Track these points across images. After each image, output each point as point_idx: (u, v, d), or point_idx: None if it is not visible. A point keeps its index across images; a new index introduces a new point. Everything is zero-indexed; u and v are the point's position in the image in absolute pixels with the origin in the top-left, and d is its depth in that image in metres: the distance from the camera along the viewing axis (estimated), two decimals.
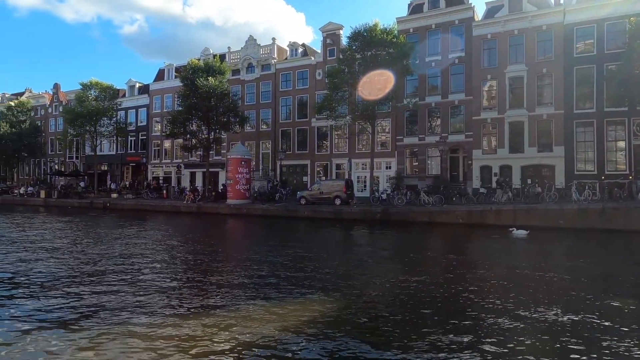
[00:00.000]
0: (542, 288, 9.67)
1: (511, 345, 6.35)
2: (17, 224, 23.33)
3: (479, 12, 32.73)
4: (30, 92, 60.87)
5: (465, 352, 6.12)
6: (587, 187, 22.77)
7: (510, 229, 19.15)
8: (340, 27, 36.32)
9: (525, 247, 16.24)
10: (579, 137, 27.26)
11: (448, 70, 31.42)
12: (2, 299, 8.66)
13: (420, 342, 6.52)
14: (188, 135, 35.42)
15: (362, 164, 34.08)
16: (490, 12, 30.84)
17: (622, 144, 26.11)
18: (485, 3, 31.69)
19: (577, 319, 7.46)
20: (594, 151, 26.65)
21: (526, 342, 6.46)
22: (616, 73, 24.46)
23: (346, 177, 33.51)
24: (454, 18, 31.42)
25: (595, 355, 5.97)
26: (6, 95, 61.72)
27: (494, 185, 27.32)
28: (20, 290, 9.38)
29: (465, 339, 6.56)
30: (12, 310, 7.97)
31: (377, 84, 26.79)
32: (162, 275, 10.96)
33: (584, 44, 27.45)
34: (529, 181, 26.66)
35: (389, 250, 16.20)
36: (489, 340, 6.54)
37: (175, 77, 42.21)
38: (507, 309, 8.01)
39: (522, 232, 18.58)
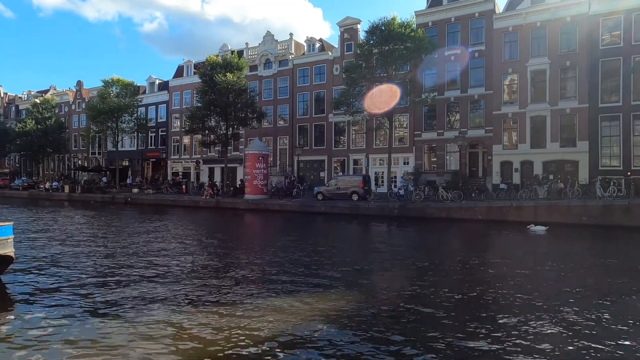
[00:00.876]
0: (555, 287, 9.46)
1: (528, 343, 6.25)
2: (46, 218, 24.04)
3: (500, 5, 32.01)
4: (55, 89, 62.44)
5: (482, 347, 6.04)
6: (612, 183, 22.14)
7: (529, 226, 18.80)
8: (358, 22, 36.06)
9: (544, 244, 15.89)
10: (604, 131, 26.45)
11: (468, 64, 30.86)
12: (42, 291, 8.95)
13: (437, 342, 6.47)
14: (207, 131, 35.77)
15: (380, 160, 33.87)
16: (512, 4, 30.12)
17: None
18: None
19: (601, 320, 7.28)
20: (620, 146, 25.83)
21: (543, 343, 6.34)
22: None
23: (363, 172, 33.38)
24: (474, 11, 30.82)
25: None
26: (32, 93, 63.46)
27: (514, 180, 26.81)
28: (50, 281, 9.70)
29: (483, 342, 6.48)
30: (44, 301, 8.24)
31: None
32: (181, 268, 11.15)
33: (610, 35, 26.56)
34: (551, 177, 26.05)
35: (405, 247, 16.09)
36: (506, 341, 6.45)
37: (194, 73, 42.65)
38: (521, 308, 7.87)
39: (540, 228, 18.24)
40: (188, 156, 46.20)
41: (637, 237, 17.26)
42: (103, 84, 45.18)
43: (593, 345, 6.14)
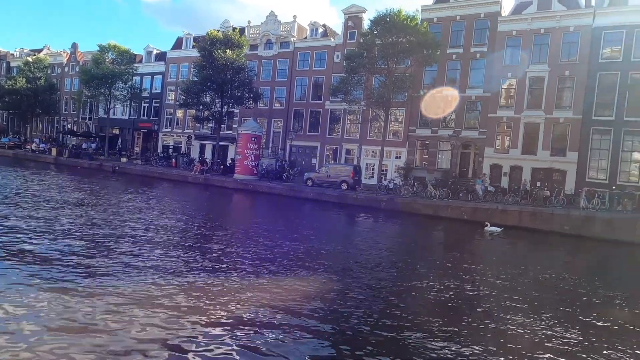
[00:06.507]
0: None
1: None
2: (31, 180, 23.68)
3: (507, 8, 31.90)
4: (49, 49, 60.89)
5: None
6: (596, 195, 22.52)
7: (485, 224, 19.18)
8: (363, 11, 35.70)
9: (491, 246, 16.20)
10: (595, 144, 26.78)
11: (468, 64, 30.86)
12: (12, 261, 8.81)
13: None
14: (201, 107, 35.43)
15: (372, 152, 33.92)
16: (518, 9, 30.05)
17: (638, 155, 25.64)
18: None
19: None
20: (608, 160, 26.20)
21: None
22: None
23: (355, 162, 33.43)
24: (480, 11, 30.70)
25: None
26: (24, 51, 61.83)
27: (502, 184, 27.16)
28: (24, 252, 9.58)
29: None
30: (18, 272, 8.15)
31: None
32: (162, 245, 11.11)
33: (611, 49, 26.71)
34: (539, 184, 26.38)
35: (383, 240, 16.24)
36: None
37: (193, 47, 41.95)
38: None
39: (495, 229, 18.64)
40: (180, 130, 45.70)
41: (612, 250, 17.62)
42: (99, 48, 44.22)
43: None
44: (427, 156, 32.32)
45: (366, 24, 32.58)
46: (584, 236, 19.17)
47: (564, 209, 21.67)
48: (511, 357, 5.98)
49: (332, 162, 34.98)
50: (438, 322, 7.07)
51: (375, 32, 28.32)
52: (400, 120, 33.52)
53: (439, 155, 31.86)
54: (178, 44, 46.95)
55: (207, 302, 6.97)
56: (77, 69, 51.41)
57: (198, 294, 7.27)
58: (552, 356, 6.13)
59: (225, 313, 6.62)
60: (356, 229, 19.02)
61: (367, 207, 24.61)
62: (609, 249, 17.62)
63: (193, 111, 38.19)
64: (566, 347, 6.51)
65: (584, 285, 10.63)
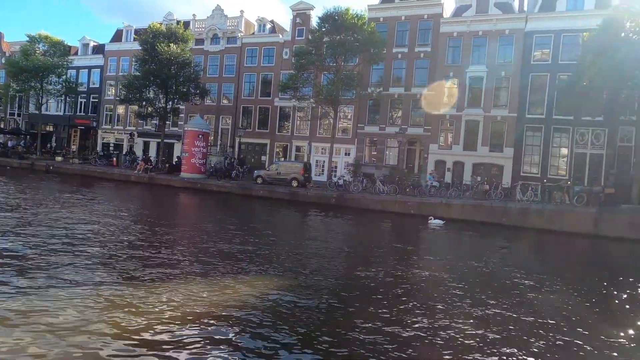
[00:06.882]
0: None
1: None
2: None
3: (448, 10, 33.27)
4: None
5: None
6: (530, 189, 24.15)
7: (429, 218, 20.09)
8: (311, 8, 35.79)
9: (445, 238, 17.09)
10: (528, 140, 28.73)
11: (413, 63, 31.91)
12: None
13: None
14: (144, 103, 33.98)
15: (322, 149, 34.18)
16: (459, 11, 31.46)
17: (565, 150, 27.80)
18: (455, 1, 32.25)
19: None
20: (540, 155, 28.22)
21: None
22: (566, 83, 25.80)
23: (305, 160, 33.53)
24: (423, 12, 31.80)
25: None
26: None
27: (446, 179, 28.42)
28: None
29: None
30: None
31: None
32: (103, 245, 10.55)
33: (541, 52, 28.73)
34: (479, 178, 27.87)
35: (331, 235, 16.49)
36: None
37: (134, 39, 40.00)
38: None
39: (438, 222, 19.60)
40: (122, 127, 43.47)
41: (533, 237, 18.92)
42: (28, 39, 41.00)
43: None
44: (375, 153, 33.08)
45: (314, 21, 32.71)
46: (519, 227, 20.48)
47: (502, 202, 23.06)
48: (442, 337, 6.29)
49: (282, 159, 34.86)
50: (377, 310, 7.30)
51: (323, 30, 28.53)
52: (349, 117, 34.03)
53: (387, 152, 32.73)
54: (118, 37, 44.57)
55: (141, 318, 6.70)
56: (3, 61, 47.29)
57: (136, 302, 6.97)
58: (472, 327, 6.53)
59: (163, 327, 6.41)
60: (306, 225, 19.12)
61: (318, 203, 24.79)
62: (540, 237, 18.94)
63: (135, 107, 36.50)
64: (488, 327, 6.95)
65: (508, 273, 11.30)
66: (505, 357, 5.95)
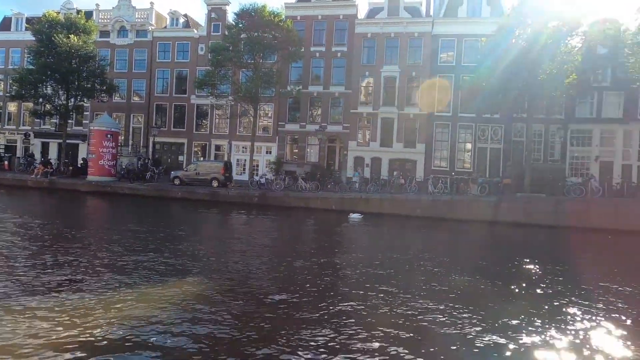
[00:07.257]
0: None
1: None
2: None
3: (363, 11, 34.43)
4: None
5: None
6: (440, 182, 25.98)
7: (349, 214, 20.94)
8: (227, 3, 34.95)
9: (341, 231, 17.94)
10: (438, 136, 30.88)
11: (331, 62, 32.58)
12: None
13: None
14: (40, 99, 30.69)
15: (243, 147, 33.57)
16: (372, 13, 32.75)
17: (469, 145, 30.34)
18: (368, 3, 33.51)
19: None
20: (448, 150, 30.50)
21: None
22: (468, 84, 28.11)
23: (225, 159, 32.68)
24: (338, 12, 32.58)
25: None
26: None
27: (365, 174, 29.48)
28: None
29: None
30: None
31: None
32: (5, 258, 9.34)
33: (447, 54, 30.98)
34: (395, 173, 29.34)
35: (254, 234, 16.35)
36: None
37: (26, 29, 35.89)
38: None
39: (357, 216, 20.53)
40: (14, 127, 38.80)
41: (442, 226, 20.41)
42: None
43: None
44: (297, 150, 33.28)
45: (231, 17, 31.95)
46: (432, 217, 21.92)
47: (416, 195, 24.51)
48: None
49: (201, 159, 33.67)
50: (298, 303, 7.37)
51: (240, 26, 27.97)
52: (269, 115, 33.80)
53: (308, 150, 33.10)
54: (6, 25, 39.64)
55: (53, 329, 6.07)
56: None
57: (45, 315, 6.29)
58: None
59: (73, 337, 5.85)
60: (228, 226, 18.68)
61: (240, 203, 24.32)
62: (450, 226, 20.42)
63: (30, 104, 32.81)
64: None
65: (419, 260, 12.13)
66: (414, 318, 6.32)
